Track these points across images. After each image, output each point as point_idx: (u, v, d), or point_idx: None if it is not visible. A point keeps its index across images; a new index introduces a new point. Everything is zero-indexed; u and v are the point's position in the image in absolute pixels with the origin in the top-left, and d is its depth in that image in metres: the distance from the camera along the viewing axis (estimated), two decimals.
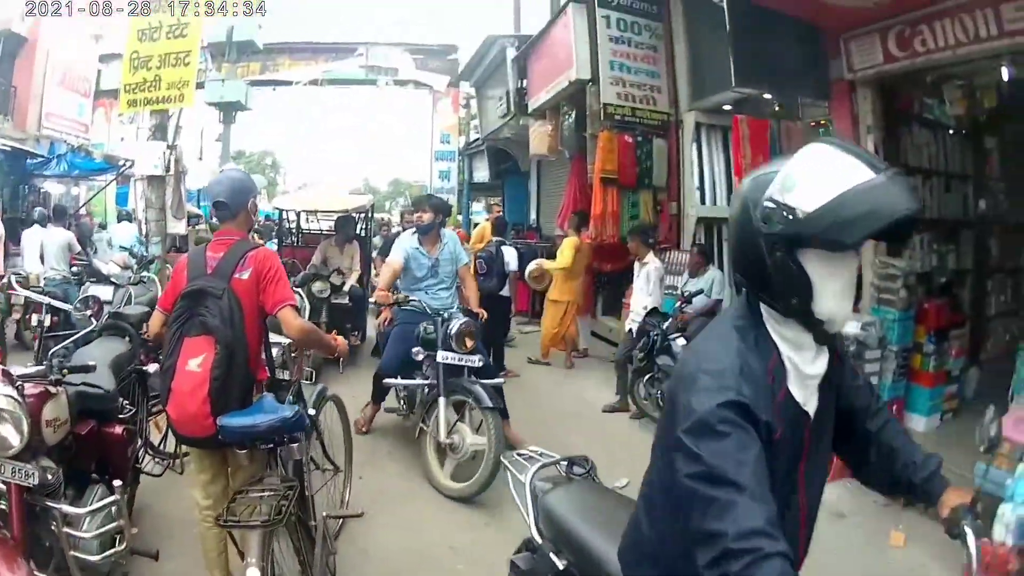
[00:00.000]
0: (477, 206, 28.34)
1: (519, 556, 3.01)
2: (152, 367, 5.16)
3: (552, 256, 11.55)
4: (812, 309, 1.87)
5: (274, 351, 4.29)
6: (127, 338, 5.26)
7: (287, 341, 4.51)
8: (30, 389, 3.45)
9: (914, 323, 7.11)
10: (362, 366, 9.49)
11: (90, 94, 20.00)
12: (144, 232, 11.17)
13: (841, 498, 6.13)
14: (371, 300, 7.16)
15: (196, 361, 3.62)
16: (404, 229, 10.51)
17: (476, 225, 22.65)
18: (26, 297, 8.47)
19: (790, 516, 2.04)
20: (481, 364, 6.58)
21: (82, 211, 17.83)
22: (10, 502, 3.29)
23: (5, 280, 9.06)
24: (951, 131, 8.54)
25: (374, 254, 12.90)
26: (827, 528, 5.22)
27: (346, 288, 10.49)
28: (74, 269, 9.69)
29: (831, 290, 1.86)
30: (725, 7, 7.63)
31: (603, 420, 8.45)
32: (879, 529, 5.66)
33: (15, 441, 3.29)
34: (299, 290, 8.92)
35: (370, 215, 13.78)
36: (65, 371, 3.59)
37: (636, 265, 9.06)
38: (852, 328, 6.61)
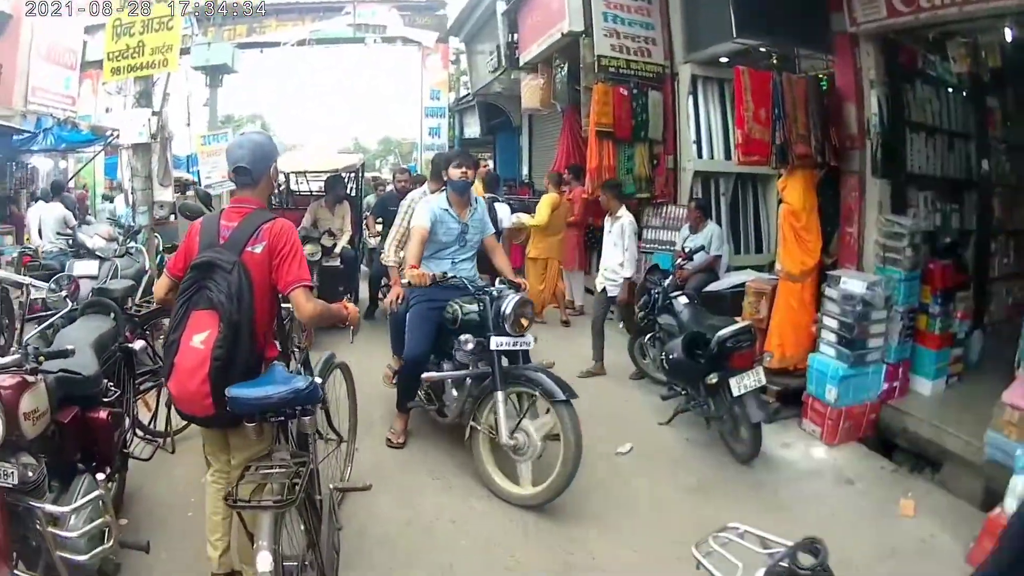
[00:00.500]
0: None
1: None
2: (139, 344, 5.02)
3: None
4: None
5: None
6: (112, 315, 5.05)
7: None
8: (5, 380, 3.25)
9: (920, 283, 6.98)
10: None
11: (76, 67, 19.63)
12: (131, 201, 11.02)
13: (849, 463, 6.23)
14: (404, 280, 5.94)
15: (200, 337, 3.43)
16: (397, 191, 10.51)
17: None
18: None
19: None
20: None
21: (71, 184, 17.66)
22: None
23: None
24: (953, 89, 8.35)
25: (366, 213, 12.77)
26: (835, 495, 5.71)
27: (337, 250, 10.44)
28: (63, 243, 9.59)
29: None
30: None
31: (604, 380, 8.30)
32: (887, 497, 5.60)
33: None
34: None
35: (360, 174, 13.75)
36: (42, 358, 3.39)
37: (607, 220, 8.84)
38: (858, 287, 6.53)
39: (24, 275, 8.84)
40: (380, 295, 10.70)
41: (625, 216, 8.57)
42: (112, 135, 14.21)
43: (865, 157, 7.25)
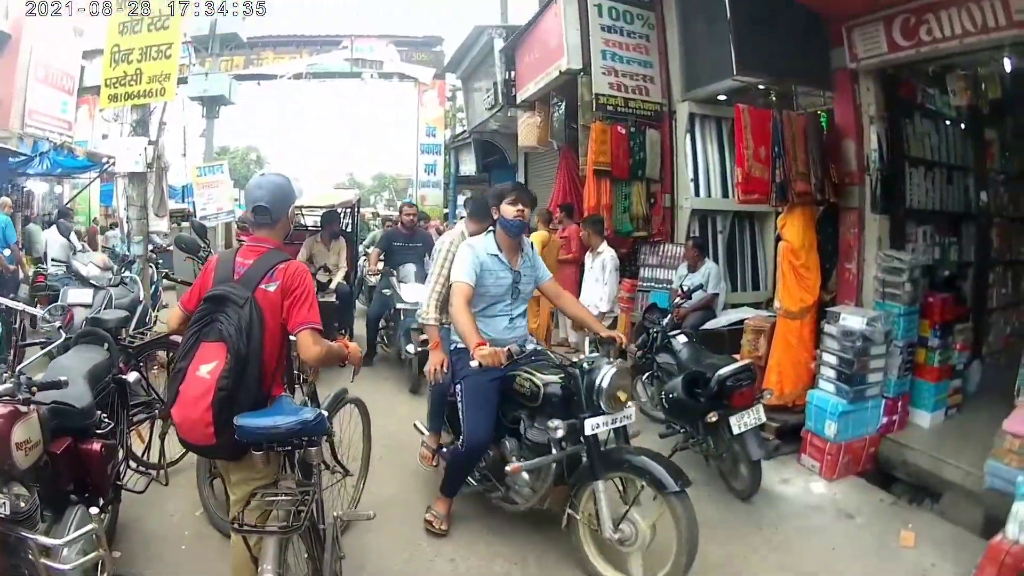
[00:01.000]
0: (463, 199, 28.22)
1: None
2: (132, 375, 4.93)
3: None
4: None
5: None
6: (105, 346, 4.99)
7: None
8: None
9: (919, 317, 6.98)
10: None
11: (73, 91, 19.72)
12: (126, 231, 10.98)
13: (848, 496, 6.20)
14: (472, 362, 4.70)
15: (207, 367, 3.41)
16: (403, 226, 10.76)
17: (462, 219, 22.48)
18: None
19: None
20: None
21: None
22: None
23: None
24: (952, 122, 8.42)
25: (369, 248, 12.77)
26: (836, 529, 5.69)
27: (332, 286, 10.45)
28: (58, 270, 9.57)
29: None
30: None
31: None
32: (888, 529, 5.60)
33: None
34: None
35: (356, 210, 13.74)
36: (34, 389, 3.34)
37: (588, 256, 9.10)
38: (857, 324, 6.53)
39: (32, 295, 8.83)
40: (380, 339, 10.97)
41: (606, 251, 8.90)
42: (108, 162, 14.19)
43: (864, 193, 7.30)
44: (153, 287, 10.45)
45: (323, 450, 4.08)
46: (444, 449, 5.93)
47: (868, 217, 7.28)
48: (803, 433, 6.90)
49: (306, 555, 3.76)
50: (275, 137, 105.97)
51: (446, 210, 26.53)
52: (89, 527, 3.43)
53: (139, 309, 8.12)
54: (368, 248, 14.19)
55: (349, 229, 12.85)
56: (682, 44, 10.39)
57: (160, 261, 11.08)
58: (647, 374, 7.85)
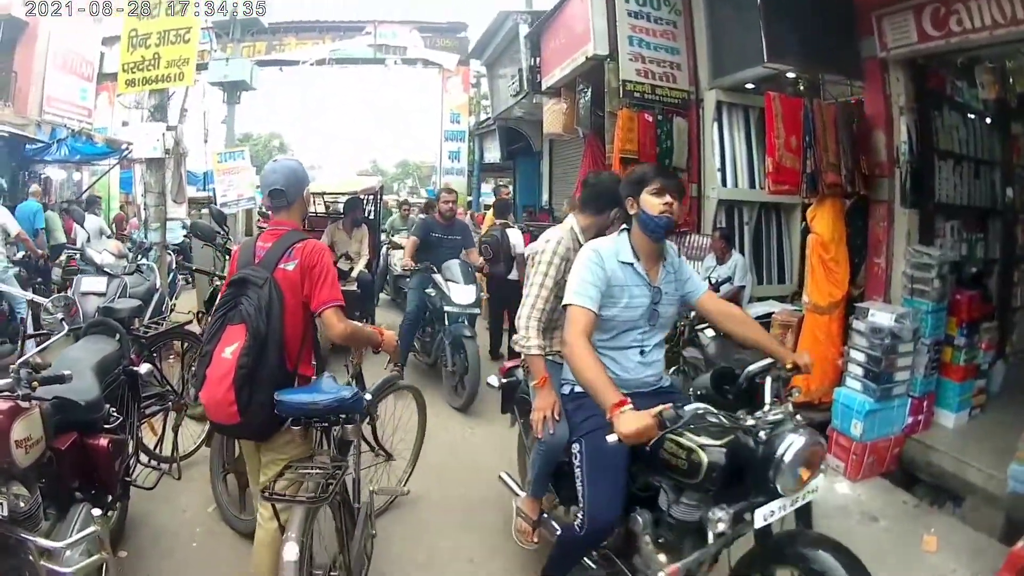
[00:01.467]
0: (486, 187, 28.15)
1: None
2: (144, 367, 4.78)
3: None
4: None
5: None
6: (116, 336, 4.86)
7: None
8: None
9: (946, 315, 6.82)
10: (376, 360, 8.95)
11: (93, 78, 19.68)
12: (143, 218, 10.88)
13: (872, 498, 6.07)
14: (610, 436, 3.11)
15: (231, 348, 3.57)
16: (441, 215, 9.55)
17: (488, 207, 22.46)
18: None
19: None
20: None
21: (83, 197, 17.62)
22: None
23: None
24: (979, 116, 8.19)
25: (389, 235, 12.63)
26: (861, 532, 5.50)
27: (354, 274, 10.29)
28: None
29: None
30: None
31: None
32: (911, 531, 5.51)
33: None
34: None
35: (379, 197, 13.61)
36: (35, 383, 3.20)
37: None
38: (886, 320, 6.38)
39: (63, 279, 8.74)
40: (416, 347, 9.61)
41: None
42: (127, 149, 14.15)
43: (894, 186, 7.13)
44: (171, 275, 10.36)
45: (363, 431, 4.37)
46: (546, 516, 4.56)
47: (898, 211, 7.12)
48: (828, 432, 6.73)
49: (335, 530, 3.87)
50: (298, 124, 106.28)
51: (469, 198, 26.32)
52: (91, 529, 3.31)
53: (155, 298, 8.07)
54: (391, 236, 14.01)
55: (372, 217, 12.72)
56: (709, 30, 10.21)
57: (180, 249, 10.97)
58: (673, 368, 7.62)
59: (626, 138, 10.03)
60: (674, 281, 3.97)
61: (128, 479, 4.36)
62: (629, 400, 3.16)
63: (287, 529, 3.32)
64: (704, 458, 3.37)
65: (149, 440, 5.50)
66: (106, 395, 4.15)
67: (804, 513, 3.47)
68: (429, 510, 5.56)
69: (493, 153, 24.10)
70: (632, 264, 3.78)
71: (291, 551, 3.21)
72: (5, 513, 2.96)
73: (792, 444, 3.23)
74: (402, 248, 12.75)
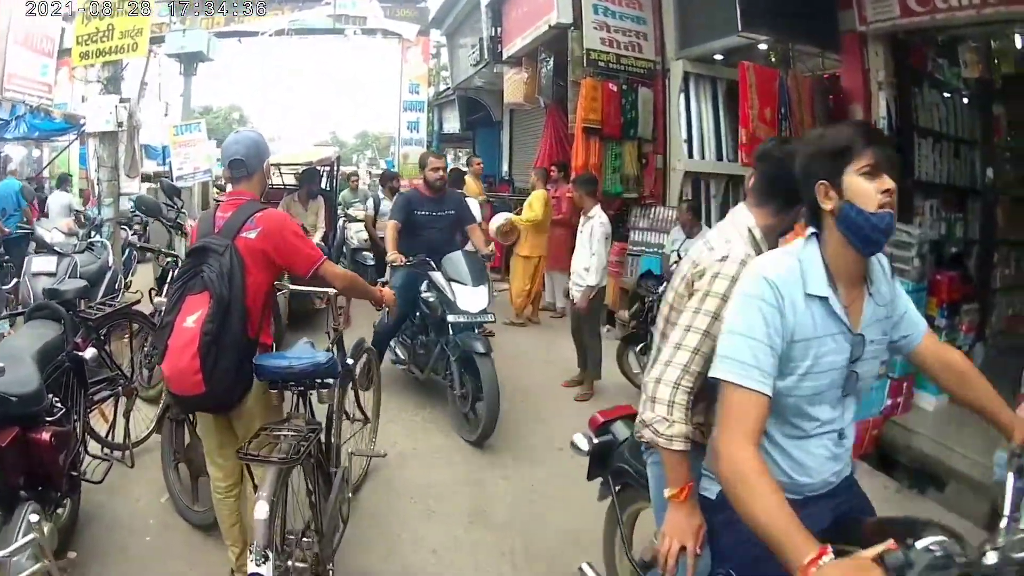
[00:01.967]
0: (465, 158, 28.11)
1: None
2: (90, 352, 4.54)
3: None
4: None
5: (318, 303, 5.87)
6: (61, 320, 4.62)
7: (331, 291, 4.49)
8: None
9: (926, 295, 6.72)
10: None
11: (53, 54, 19.20)
12: (96, 193, 10.59)
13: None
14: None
15: (192, 317, 3.55)
16: (429, 186, 8.09)
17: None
18: None
19: None
20: None
21: (44, 173, 17.25)
22: None
23: None
24: (959, 95, 8.15)
25: (344, 210, 12.45)
26: None
27: None
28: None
29: None
30: None
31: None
32: None
33: None
34: None
35: (336, 168, 13.37)
36: None
37: (582, 219, 7.99)
38: None
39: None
40: (399, 355, 7.78)
41: (597, 216, 7.74)
42: (85, 124, 13.84)
43: None
44: (126, 252, 10.04)
45: (343, 395, 4.60)
46: None
47: None
48: None
49: (307, 492, 3.84)
50: (257, 96, 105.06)
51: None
52: (30, 537, 3.10)
53: (108, 276, 7.75)
54: (346, 209, 13.76)
55: (328, 189, 12.48)
56: (677, 0, 10.12)
57: (126, 230, 10.65)
58: (641, 345, 7.50)
59: (589, 107, 9.97)
60: (884, 319, 2.48)
61: (76, 473, 4.15)
62: (828, 548, 1.85)
63: (259, 488, 3.28)
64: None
65: (101, 427, 5.28)
66: (49, 384, 3.89)
67: None
68: None
69: (452, 123, 24.27)
70: (829, 298, 2.28)
71: (262, 509, 3.17)
72: None
73: None
74: (358, 221, 12.52)
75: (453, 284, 6.75)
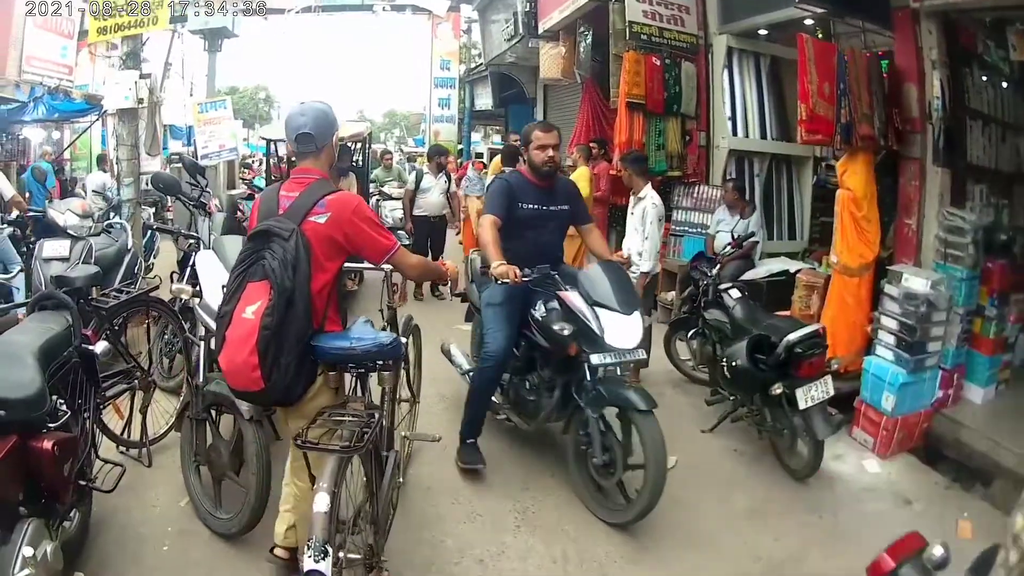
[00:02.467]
0: (477, 135, 27.86)
1: None
2: (100, 346, 4.11)
3: None
4: None
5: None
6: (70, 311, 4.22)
7: (387, 267, 4.17)
8: None
9: (978, 284, 6.41)
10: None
11: (73, 35, 19.11)
12: (115, 172, 10.34)
13: (903, 478, 5.80)
14: None
15: (252, 308, 3.30)
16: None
17: (479, 156, 21.92)
18: None
19: None
20: None
21: (66, 155, 17.09)
22: None
23: None
24: (1006, 78, 7.69)
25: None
26: (895, 517, 5.22)
27: None
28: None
29: None
30: None
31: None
32: (945, 516, 5.20)
33: None
34: None
35: (367, 145, 13.18)
36: None
37: (632, 199, 7.43)
38: (921, 286, 5.95)
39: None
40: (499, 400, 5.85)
41: (649, 197, 7.16)
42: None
43: (926, 142, 6.70)
44: (148, 234, 9.72)
45: (397, 376, 4.26)
46: None
47: (930, 169, 6.69)
48: (856, 404, 6.33)
49: (364, 479, 3.66)
50: (284, 75, 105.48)
51: (460, 146, 25.91)
52: (26, 573, 2.75)
53: (126, 260, 7.44)
54: (380, 187, 13.44)
55: (360, 164, 12.27)
56: None
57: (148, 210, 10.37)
58: (693, 331, 7.12)
59: (632, 82, 9.66)
60: None
61: (84, 483, 3.76)
62: None
63: (318, 479, 3.14)
64: None
65: (116, 424, 4.97)
66: (54, 384, 3.51)
67: None
68: None
69: (485, 100, 23.99)
70: None
71: (322, 501, 3.03)
72: None
73: None
74: (392, 199, 12.18)
75: (599, 310, 4.81)
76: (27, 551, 2.89)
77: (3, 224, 8.41)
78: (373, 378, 3.83)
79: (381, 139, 51.42)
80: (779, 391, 5.34)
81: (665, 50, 9.98)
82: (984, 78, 7.33)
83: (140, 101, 9.21)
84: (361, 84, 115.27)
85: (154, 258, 10.09)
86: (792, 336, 5.31)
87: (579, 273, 5.25)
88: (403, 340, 4.17)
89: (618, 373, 4.96)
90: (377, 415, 3.47)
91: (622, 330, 4.76)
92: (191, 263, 6.07)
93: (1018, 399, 6.54)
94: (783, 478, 5.60)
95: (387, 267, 4.13)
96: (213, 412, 4.30)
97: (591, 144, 11.17)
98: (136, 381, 4.97)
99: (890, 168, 7.21)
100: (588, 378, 4.81)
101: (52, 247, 6.68)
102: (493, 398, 5.59)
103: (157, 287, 6.31)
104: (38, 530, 3.03)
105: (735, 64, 10.16)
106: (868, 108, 6.58)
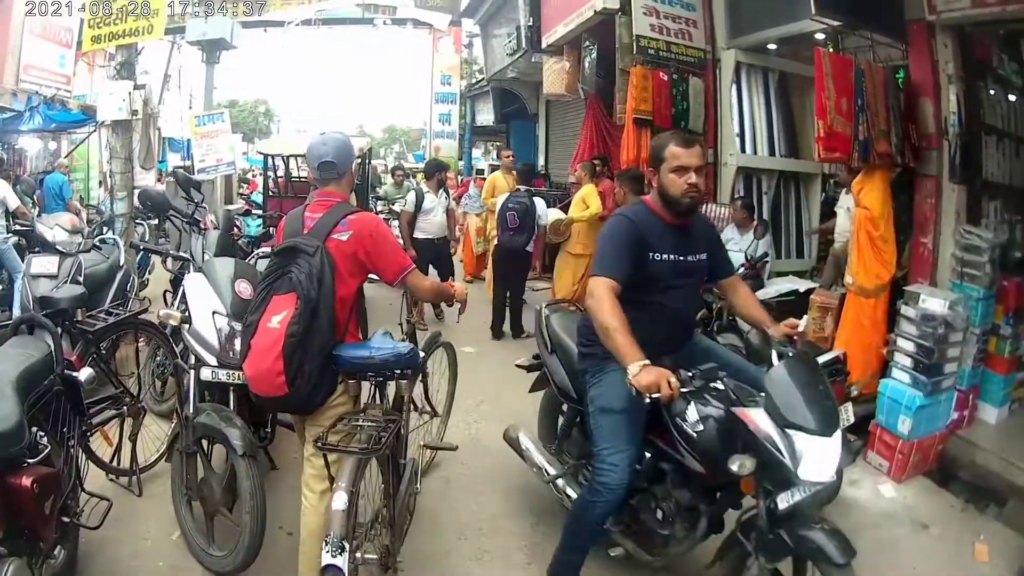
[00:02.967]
0: (477, 151, 27.83)
1: None
2: (85, 373, 3.89)
3: (566, 207, 10.78)
4: None
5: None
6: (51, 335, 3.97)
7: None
8: None
9: (994, 303, 6.32)
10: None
11: (72, 44, 19.13)
12: (109, 186, 10.16)
13: (919, 502, 5.74)
14: None
15: (278, 318, 3.53)
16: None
17: (480, 172, 21.80)
18: None
19: None
20: None
21: (56, 165, 17.01)
22: None
23: None
24: (1017, 92, 7.57)
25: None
26: (913, 543, 5.19)
27: None
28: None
29: None
30: None
31: None
32: (961, 540, 5.18)
33: None
34: None
35: (367, 160, 13.11)
36: None
37: None
38: (939, 307, 5.83)
39: None
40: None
41: None
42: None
43: (942, 159, 6.59)
44: (139, 254, 9.53)
45: (415, 388, 4.55)
46: None
47: (946, 186, 6.59)
48: (872, 427, 6.21)
49: (382, 484, 3.93)
50: (284, 88, 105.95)
51: (460, 162, 25.82)
52: None
53: (118, 277, 7.22)
54: (391, 205, 13.21)
55: (358, 181, 11.86)
56: None
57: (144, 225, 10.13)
58: None
59: (640, 97, 9.47)
60: None
61: (68, 519, 3.54)
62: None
63: (337, 479, 3.40)
64: None
65: (105, 452, 4.76)
66: (34, 414, 3.28)
67: None
68: None
69: (486, 115, 24.01)
70: None
71: (340, 500, 3.28)
72: None
73: None
74: (399, 215, 11.91)
75: (791, 433, 3.25)
76: None
77: (8, 233, 8.38)
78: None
79: (381, 155, 51.38)
80: None
81: (672, 65, 9.83)
82: (1000, 92, 7.24)
83: (134, 112, 9.05)
84: (361, 99, 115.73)
85: (149, 274, 9.83)
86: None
87: (768, 379, 3.47)
88: (421, 354, 4.51)
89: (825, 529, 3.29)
90: (395, 420, 3.69)
91: (820, 458, 3.22)
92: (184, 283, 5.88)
93: None
94: None
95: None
96: (205, 443, 4.16)
97: (594, 161, 10.99)
98: (125, 408, 4.75)
99: (904, 186, 7.09)
100: (764, 519, 3.38)
101: (40, 263, 6.46)
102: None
103: (147, 309, 6.04)
104: (20, 570, 2.89)
105: (743, 79, 10.03)
106: (885, 124, 6.46)
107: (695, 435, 3.53)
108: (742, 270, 7.44)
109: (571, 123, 15.40)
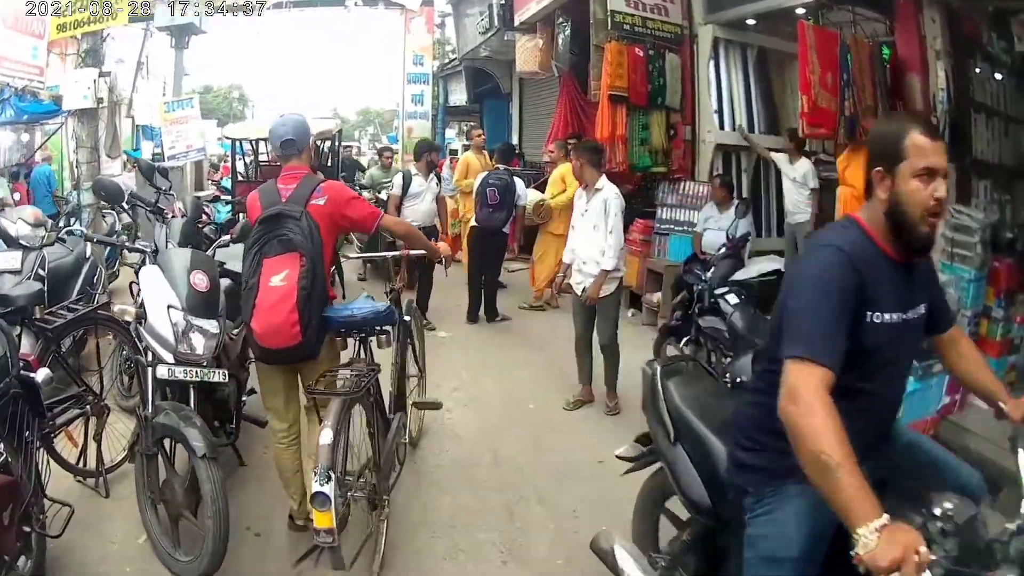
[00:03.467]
0: (451, 132, 27.70)
1: None
2: (42, 373, 3.68)
3: (541, 186, 10.78)
4: None
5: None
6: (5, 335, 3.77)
7: (391, 255, 5.43)
8: None
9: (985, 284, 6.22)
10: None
11: (44, 35, 18.79)
12: (75, 176, 9.94)
13: None
14: None
15: (279, 277, 3.88)
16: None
17: (454, 153, 21.65)
18: None
19: None
20: None
21: (36, 157, 16.73)
22: None
23: None
24: (1008, 70, 7.51)
25: (376, 193, 11.74)
26: None
27: None
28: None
29: None
30: None
31: (593, 412, 6.68)
32: None
33: None
34: None
35: (337, 142, 12.92)
36: None
37: (581, 194, 6.62)
38: None
39: None
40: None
41: (608, 187, 6.43)
42: None
43: None
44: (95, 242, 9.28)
45: (404, 348, 5.05)
46: None
47: None
48: None
49: (367, 428, 4.27)
50: (257, 73, 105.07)
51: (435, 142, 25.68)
52: None
53: (84, 270, 6.95)
54: (377, 192, 12.66)
55: (329, 164, 12.00)
56: None
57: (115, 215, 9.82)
58: (685, 339, 6.70)
59: (615, 73, 9.40)
60: None
61: (30, 529, 3.36)
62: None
63: (324, 418, 3.65)
64: None
65: (70, 452, 4.58)
66: None
67: None
68: None
69: (459, 95, 24.11)
70: None
71: (326, 435, 3.54)
72: None
73: None
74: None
75: None
76: None
77: None
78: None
79: (355, 136, 50.89)
80: None
81: (648, 41, 9.72)
82: (988, 70, 7.19)
83: (100, 100, 8.85)
84: (335, 82, 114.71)
85: (119, 266, 9.56)
86: None
87: (964, 474, 2.90)
88: (407, 318, 5.09)
89: None
90: (376, 370, 4.20)
91: None
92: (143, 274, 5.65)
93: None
94: None
95: (389, 255, 5.40)
96: (167, 443, 4.00)
97: (569, 140, 10.79)
98: (88, 407, 4.58)
99: None
100: None
101: (3, 259, 6.20)
102: None
103: (109, 303, 5.86)
104: None
105: (721, 55, 9.93)
106: (872, 100, 6.45)
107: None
108: (723, 250, 7.19)
109: (545, 101, 15.30)
